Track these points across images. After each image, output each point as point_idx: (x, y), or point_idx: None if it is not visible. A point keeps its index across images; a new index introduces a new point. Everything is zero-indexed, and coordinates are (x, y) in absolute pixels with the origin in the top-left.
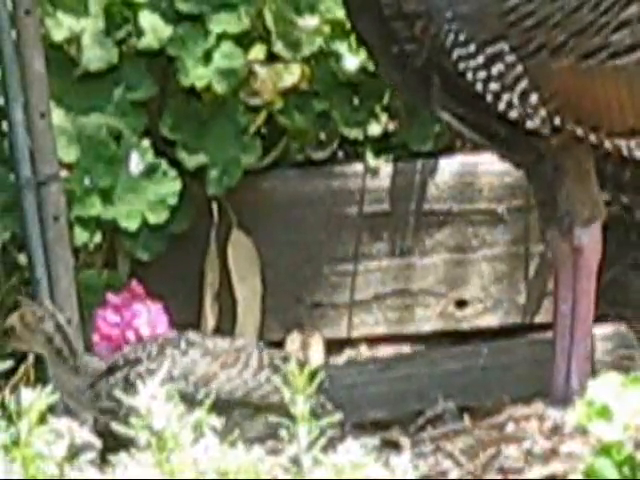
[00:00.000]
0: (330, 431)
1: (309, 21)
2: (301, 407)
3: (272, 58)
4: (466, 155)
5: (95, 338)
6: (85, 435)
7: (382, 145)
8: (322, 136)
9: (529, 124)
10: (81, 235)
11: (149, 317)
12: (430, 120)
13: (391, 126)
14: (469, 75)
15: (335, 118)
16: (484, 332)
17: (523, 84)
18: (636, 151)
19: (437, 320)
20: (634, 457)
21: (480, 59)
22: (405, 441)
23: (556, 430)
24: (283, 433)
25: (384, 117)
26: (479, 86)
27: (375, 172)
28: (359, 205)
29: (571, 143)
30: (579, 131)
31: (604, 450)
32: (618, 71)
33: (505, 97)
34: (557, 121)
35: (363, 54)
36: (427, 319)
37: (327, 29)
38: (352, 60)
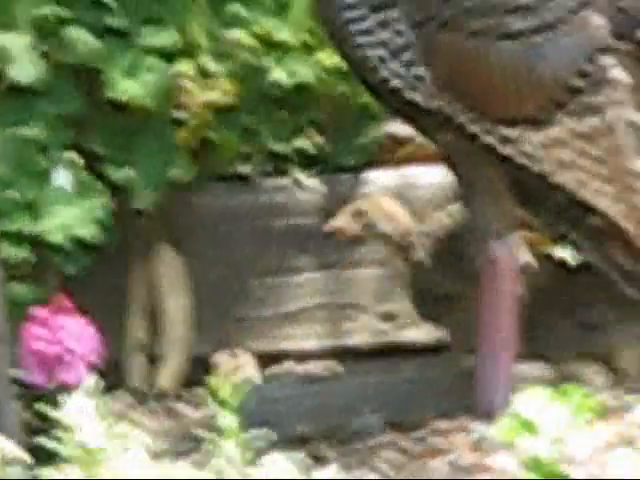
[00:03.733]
0: (256, 445)
1: (236, 35)
2: (227, 421)
3: (201, 73)
4: (394, 169)
5: (22, 352)
6: (14, 449)
7: (309, 159)
8: (249, 150)
9: (412, 95)
10: (8, 249)
11: (76, 331)
12: (356, 134)
13: (318, 140)
14: (357, 39)
15: (262, 132)
16: (411, 346)
17: (409, 54)
18: (522, 145)
19: (364, 334)
20: (560, 471)
21: (368, 23)
22: (331, 455)
23: (481, 443)
24: (208, 447)
25: (311, 131)
26: (365, 51)
27: (302, 186)
28: (286, 219)
29: (461, 144)
30: (463, 117)
31: (530, 464)
32: (504, 54)
33: (390, 65)
34: (443, 98)
35: (289, 68)
36: (354, 333)
37: (257, 44)
38: (282, 75)
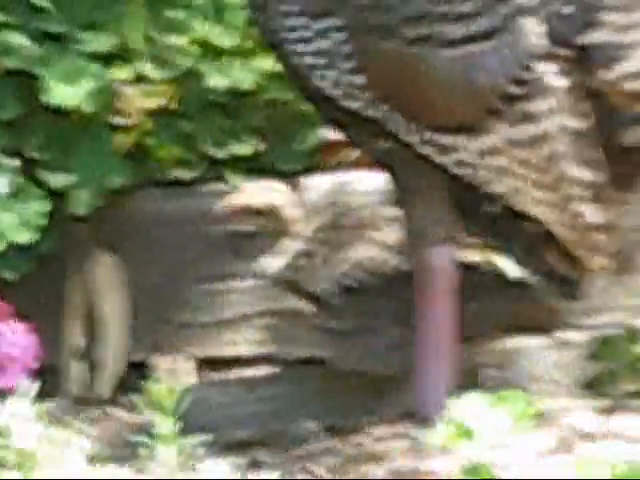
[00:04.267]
0: (194, 451)
1: (175, 40)
2: (164, 426)
3: (139, 78)
4: (333, 175)
5: None
6: None
7: (249, 165)
8: (187, 156)
9: (352, 105)
10: None
11: (13, 336)
12: (296, 141)
13: (258, 147)
14: (297, 48)
15: (200, 138)
16: None
17: (349, 63)
18: (459, 153)
19: (303, 341)
20: (499, 477)
21: (309, 33)
22: (270, 461)
23: (420, 449)
24: (145, 452)
25: (251, 137)
26: (308, 59)
27: (236, 190)
28: (224, 225)
29: (399, 151)
30: (401, 126)
31: (468, 470)
32: (444, 63)
33: (330, 74)
34: (382, 107)
35: (231, 75)
36: (293, 340)
37: (196, 49)
38: (220, 80)
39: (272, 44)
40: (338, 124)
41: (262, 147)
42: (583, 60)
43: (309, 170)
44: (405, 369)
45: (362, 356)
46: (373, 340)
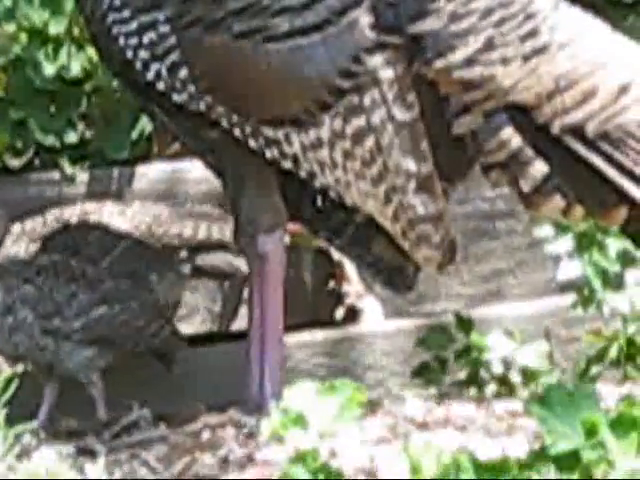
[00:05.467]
0: (25, 439)
1: (9, 29)
2: None
3: None
4: (164, 163)
5: None
6: None
7: (79, 153)
8: (19, 144)
9: (176, 97)
10: None
11: None
12: (126, 128)
13: (88, 134)
14: (121, 40)
15: (32, 126)
16: (185, 338)
17: (174, 56)
18: (285, 146)
19: None
20: (329, 465)
21: (133, 25)
22: (100, 448)
23: (251, 437)
24: None
25: (81, 125)
26: (129, 53)
27: (72, 180)
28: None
29: (231, 144)
30: (230, 117)
31: (299, 458)
32: (270, 56)
33: (154, 67)
34: (207, 100)
35: (60, 62)
36: None
37: (24, 37)
38: (49, 68)
39: (97, 36)
40: (167, 116)
41: (91, 135)
42: (413, 49)
43: (143, 159)
44: None
45: None
46: None
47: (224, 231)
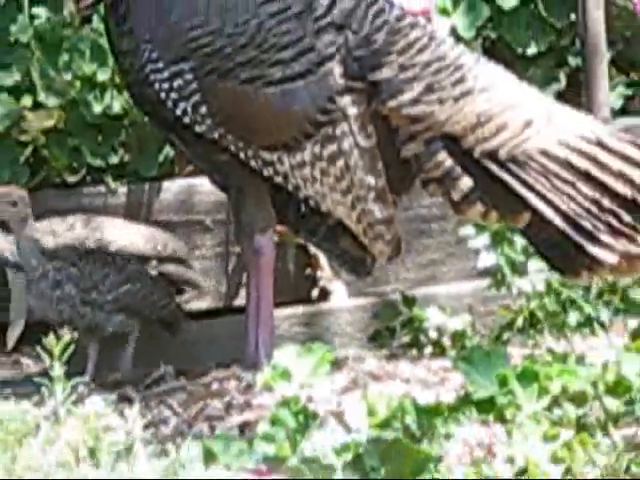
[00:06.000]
0: (80, 389)
1: (67, 77)
2: (57, 370)
3: (37, 105)
4: (183, 179)
5: None
6: None
7: (119, 172)
8: (74, 165)
9: (197, 129)
10: None
11: None
12: (155, 153)
13: (126, 157)
14: (156, 85)
15: (84, 151)
16: (196, 313)
17: (196, 97)
18: (277, 166)
19: None
20: (307, 408)
21: (165, 74)
22: (136, 396)
23: (249, 388)
24: (44, 390)
25: (121, 150)
26: (163, 95)
27: (114, 192)
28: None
29: (237, 165)
30: (237, 144)
31: (284, 403)
32: (267, 97)
33: (181, 105)
34: (220, 130)
35: (105, 102)
36: None
37: (78, 83)
38: (97, 107)
39: (129, 83)
40: (177, 144)
41: (129, 158)
42: (372, 92)
43: (166, 176)
44: None
45: None
46: None
47: (183, 248)
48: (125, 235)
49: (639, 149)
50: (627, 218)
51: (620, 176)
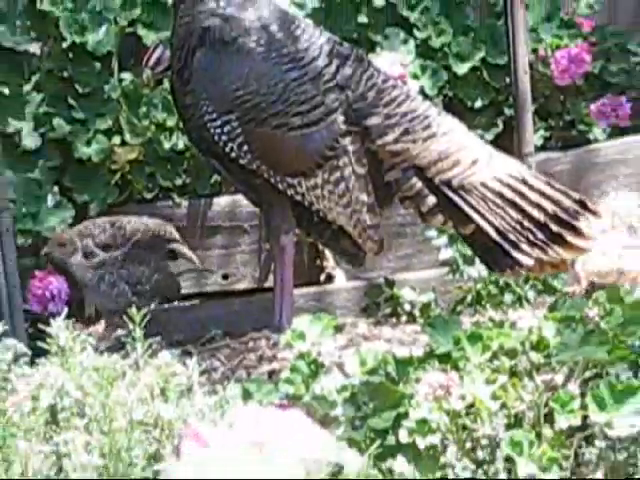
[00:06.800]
0: (153, 346)
1: (144, 123)
2: (137, 333)
3: (124, 143)
4: (228, 196)
5: (28, 296)
6: (22, 347)
7: (183, 190)
8: (150, 186)
9: (241, 161)
10: None
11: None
12: (207, 177)
13: (187, 180)
14: (212, 130)
15: (157, 176)
16: (238, 292)
17: (239, 139)
18: (297, 187)
19: (213, 286)
20: (317, 360)
21: (218, 122)
22: (194, 351)
23: (275, 345)
24: (128, 347)
25: (184, 175)
26: (216, 137)
27: (179, 205)
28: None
29: (269, 187)
30: (269, 172)
31: (301, 356)
32: (291, 139)
33: (229, 145)
34: (257, 162)
35: (173, 141)
36: (209, 285)
37: (153, 127)
38: (166, 144)
39: (189, 129)
40: (229, 173)
41: (190, 179)
42: (366, 134)
43: (214, 193)
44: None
45: None
46: None
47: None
48: (139, 221)
49: (551, 187)
50: (540, 235)
51: (537, 205)
